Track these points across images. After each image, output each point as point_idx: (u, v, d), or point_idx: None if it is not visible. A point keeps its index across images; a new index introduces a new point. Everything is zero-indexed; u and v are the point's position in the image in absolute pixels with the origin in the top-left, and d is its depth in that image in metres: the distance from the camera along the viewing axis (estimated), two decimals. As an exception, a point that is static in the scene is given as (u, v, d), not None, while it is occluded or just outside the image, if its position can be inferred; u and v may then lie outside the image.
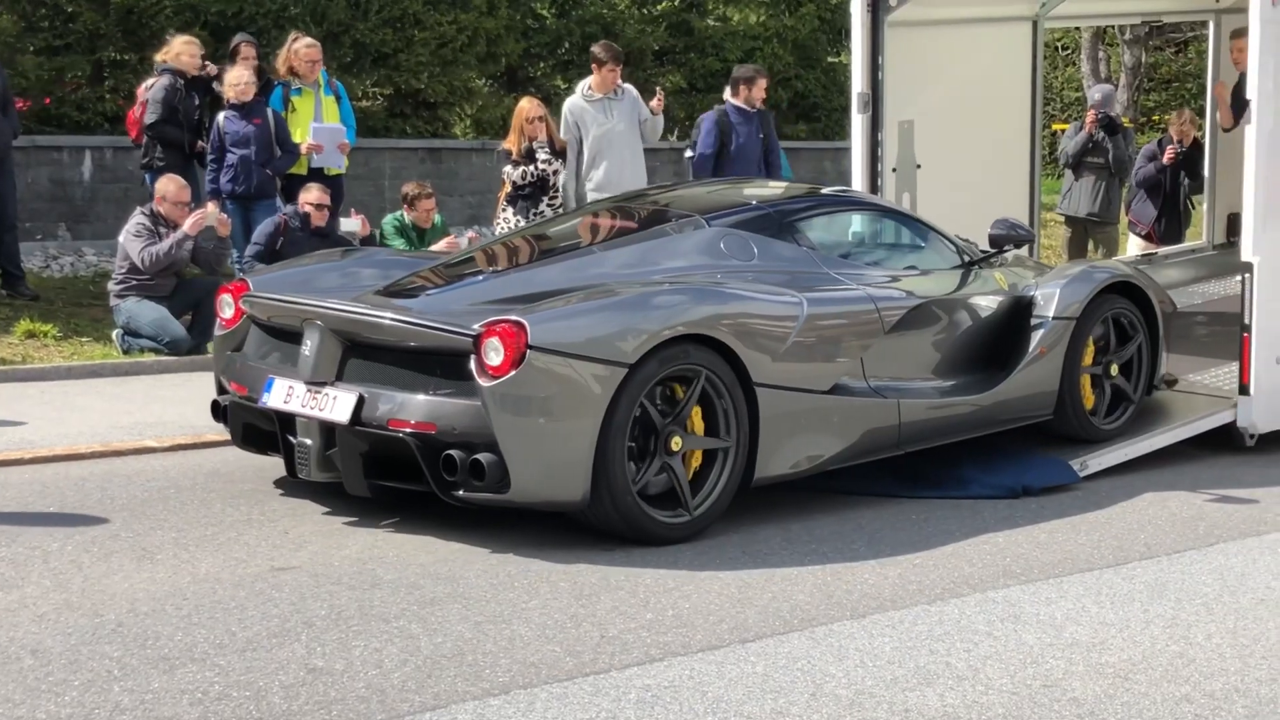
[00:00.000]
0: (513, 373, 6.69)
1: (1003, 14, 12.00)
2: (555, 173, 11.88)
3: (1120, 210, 13.95)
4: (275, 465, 8.18)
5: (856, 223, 9.06)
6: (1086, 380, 9.00)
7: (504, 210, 11.97)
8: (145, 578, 6.37)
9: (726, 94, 12.87)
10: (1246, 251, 9.27)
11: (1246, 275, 9.24)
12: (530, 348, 6.69)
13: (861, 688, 5.46)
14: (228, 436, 7.97)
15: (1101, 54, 20.09)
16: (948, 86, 11.47)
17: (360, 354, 7.22)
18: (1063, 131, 21.03)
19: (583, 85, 12.25)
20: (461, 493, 6.86)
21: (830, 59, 19.70)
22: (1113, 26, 20.10)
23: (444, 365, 6.98)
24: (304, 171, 12.42)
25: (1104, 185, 13.67)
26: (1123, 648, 6.00)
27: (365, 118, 14.84)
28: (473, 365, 6.79)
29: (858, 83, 10.72)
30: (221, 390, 7.93)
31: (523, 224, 11.62)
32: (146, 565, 6.55)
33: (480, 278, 7.73)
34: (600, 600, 6.26)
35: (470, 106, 17.50)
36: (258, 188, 12.22)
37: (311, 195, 11.77)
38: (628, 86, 12.38)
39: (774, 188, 9.61)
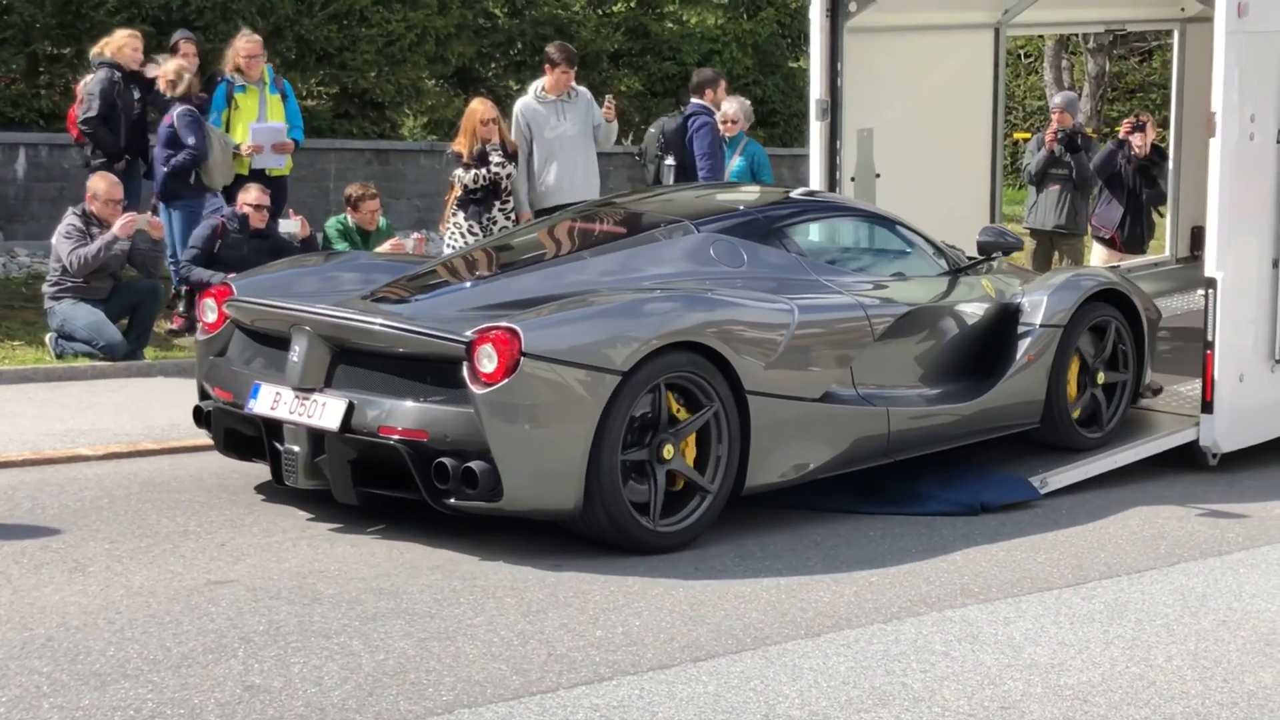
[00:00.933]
0: (506, 380, 6.67)
1: (964, 21, 11.92)
2: (508, 176, 11.68)
3: (1086, 222, 13.88)
4: (212, 475, 8.07)
5: (843, 228, 9.05)
6: (1073, 388, 9.00)
7: (454, 214, 11.74)
8: (77, 590, 6.22)
9: (694, 98, 12.79)
10: (1210, 267, 9.21)
11: (1210, 291, 9.17)
12: (524, 355, 6.68)
13: (816, 709, 5.36)
14: (163, 445, 7.85)
15: (1065, 62, 20.11)
16: (908, 94, 11.38)
17: (349, 360, 7.17)
18: (1025, 141, 21.01)
19: (535, 86, 12.09)
20: (453, 501, 6.84)
21: (790, 64, 19.62)
22: (1076, 35, 20.13)
23: (435, 372, 6.95)
24: (245, 172, 12.21)
25: (1069, 197, 13.61)
26: (1082, 669, 5.95)
27: (310, 117, 14.61)
28: (465, 372, 6.76)
29: (816, 89, 10.62)
30: (204, 395, 7.86)
31: (475, 228, 11.52)
32: (78, 577, 6.39)
33: (468, 284, 7.71)
34: (548, 617, 6.13)
35: (419, 106, 17.32)
36: (183, 186, 11.95)
37: (250, 196, 11.61)
38: (582, 89, 12.24)
39: (757, 192, 9.58)
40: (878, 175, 10.88)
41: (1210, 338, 9.21)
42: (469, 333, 6.78)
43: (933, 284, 8.72)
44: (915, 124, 11.48)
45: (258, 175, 12.19)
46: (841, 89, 10.59)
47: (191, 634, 5.73)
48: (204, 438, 8.79)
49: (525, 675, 5.52)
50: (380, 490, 7.09)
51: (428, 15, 16.41)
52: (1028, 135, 21.44)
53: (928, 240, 9.03)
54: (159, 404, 9.83)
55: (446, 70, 17.34)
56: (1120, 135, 13.48)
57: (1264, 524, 8.37)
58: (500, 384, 6.67)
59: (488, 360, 6.69)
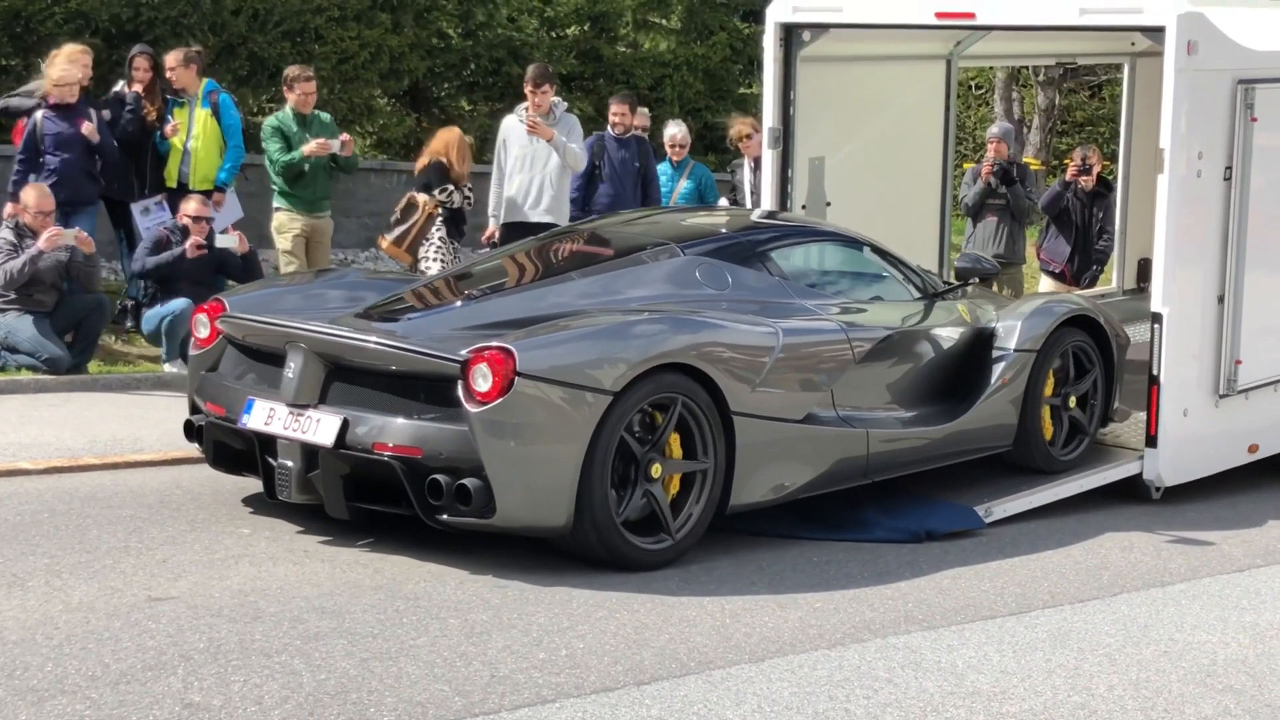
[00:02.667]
0: (500, 399, 6.76)
1: (916, 52, 11.96)
2: (466, 202, 11.88)
3: (1026, 251, 13.93)
4: (154, 491, 8.02)
5: (822, 252, 9.12)
6: (1046, 411, 9.12)
7: (438, 230, 11.78)
8: (15, 605, 6.14)
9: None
10: (1156, 302, 9.26)
11: (1156, 326, 9.23)
12: (518, 374, 6.77)
13: (760, 737, 5.33)
14: (105, 460, 7.83)
15: (1015, 95, 20.23)
16: (860, 123, 11.41)
17: (343, 377, 7.25)
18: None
19: (521, 106, 12.15)
20: (445, 517, 6.92)
21: (742, 90, 19.66)
22: (1027, 68, 20.25)
23: (429, 390, 7.03)
24: (173, 185, 12.18)
25: (1006, 228, 13.65)
26: (1024, 697, 5.96)
27: (260, 132, 14.48)
28: (460, 391, 6.84)
29: (769, 118, 10.63)
30: (195, 410, 7.91)
31: (455, 246, 11.77)
32: (17, 592, 6.31)
33: (458, 303, 7.78)
34: (492, 639, 6.09)
35: (371, 125, 17.25)
36: (78, 194, 11.80)
37: (190, 208, 11.59)
38: (568, 116, 12.25)
39: (738, 215, 9.66)
40: (828, 203, 10.90)
41: (1155, 372, 9.27)
42: (464, 352, 6.88)
43: (910, 308, 8.87)
44: (867, 153, 11.51)
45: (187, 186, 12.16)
46: (794, 117, 10.61)
47: (131, 651, 5.67)
48: (145, 453, 8.78)
49: (468, 697, 5.48)
50: (372, 506, 7.16)
51: (382, 33, 16.36)
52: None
53: (904, 265, 9.19)
54: (102, 419, 9.73)
55: (399, 88, 17.29)
56: (1067, 177, 13.54)
57: (1206, 556, 8.43)
58: (494, 403, 6.77)
59: (482, 379, 6.78)
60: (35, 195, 11.06)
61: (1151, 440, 9.33)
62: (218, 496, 7.97)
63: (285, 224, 12.12)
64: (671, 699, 5.63)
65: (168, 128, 12.15)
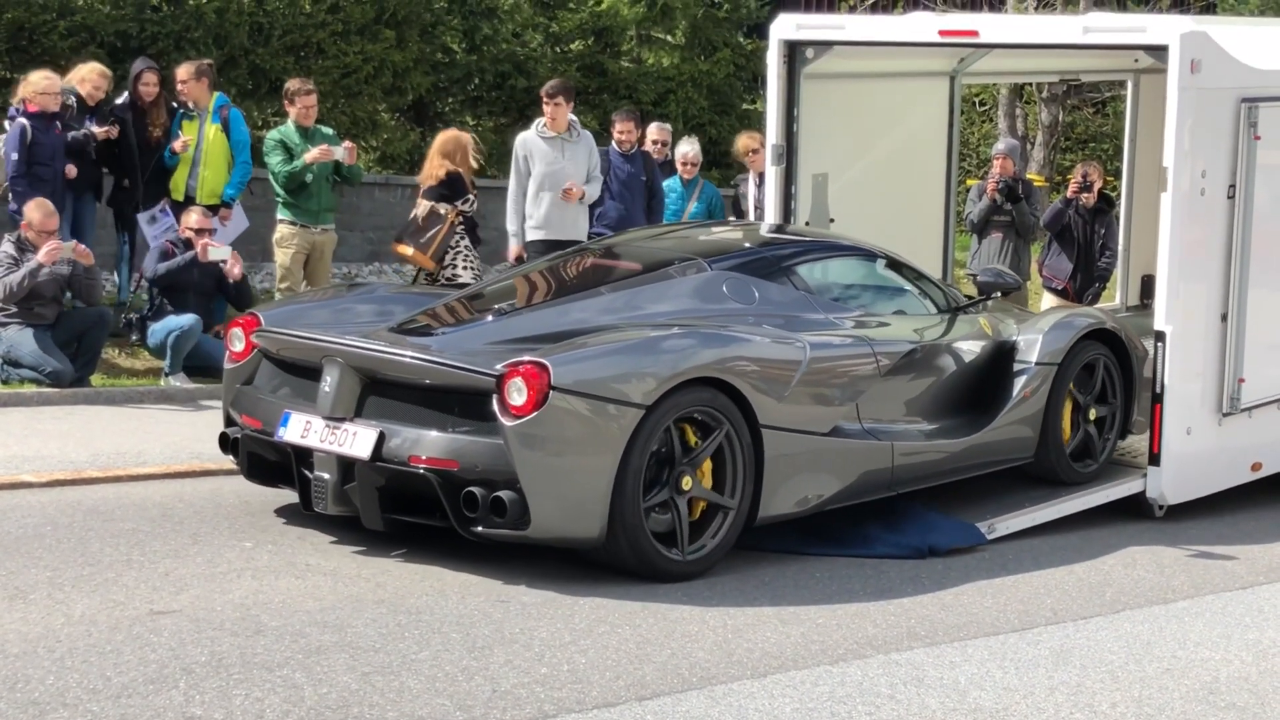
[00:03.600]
0: (535, 413, 6.87)
1: (920, 69, 11.98)
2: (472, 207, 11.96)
3: (1030, 267, 13.92)
4: (156, 504, 8.03)
5: (846, 266, 9.19)
6: (1066, 423, 9.19)
7: (463, 238, 11.82)
8: (17, 618, 6.13)
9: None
10: (1159, 320, 9.26)
11: (1159, 344, 9.23)
12: (553, 389, 6.87)
13: (762, 753, 5.32)
14: (107, 473, 7.89)
15: (1019, 111, 20.22)
16: (863, 140, 11.43)
17: (379, 391, 7.36)
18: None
19: (539, 121, 12.14)
20: (480, 529, 7.02)
21: (745, 106, 19.67)
22: (1030, 84, 20.26)
23: (463, 403, 7.14)
24: (179, 198, 12.21)
25: (1011, 244, 13.64)
26: (1027, 714, 5.96)
27: (263, 147, 14.49)
28: (495, 405, 6.95)
29: (773, 134, 10.65)
30: (230, 422, 8.02)
31: (475, 253, 11.84)
32: (19, 605, 6.30)
33: (489, 318, 7.90)
34: (494, 653, 6.08)
35: (375, 139, 17.25)
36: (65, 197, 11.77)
37: (191, 220, 11.63)
38: (585, 132, 12.28)
39: (761, 230, 9.73)
40: (832, 220, 10.91)
41: (1159, 390, 9.27)
42: (499, 366, 6.98)
43: (933, 322, 8.98)
44: (870, 169, 11.53)
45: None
46: (797, 134, 10.62)
47: (133, 664, 5.66)
48: (147, 466, 8.78)
49: (469, 711, 5.48)
50: (407, 517, 7.27)
51: (386, 48, 16.38)
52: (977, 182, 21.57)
53: (926, 278, 9.31)
54: (105, 432, 9.73)
55: (403, 103, 17.30)
56: (1068, 195, 13.52)
57: (1208, 573, 8.41)
58: (529, 416, 6.87)
59: (518, 393, 6.88)
60: (40, 214, 11.06)
61: (1155, 458, 9.33)
62: (220, 510, 7.97)
63: (287, 237, 12.12)
64: (674, 714, 5.62)
65: (177, 144, 12.15)
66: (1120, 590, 7.90)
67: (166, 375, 11.32)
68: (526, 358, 6.97)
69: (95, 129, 11.86)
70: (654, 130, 13.72)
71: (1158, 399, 9.26)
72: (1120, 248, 13.31)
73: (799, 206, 10.75)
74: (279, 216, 12.18)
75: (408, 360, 7.30)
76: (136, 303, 12.38)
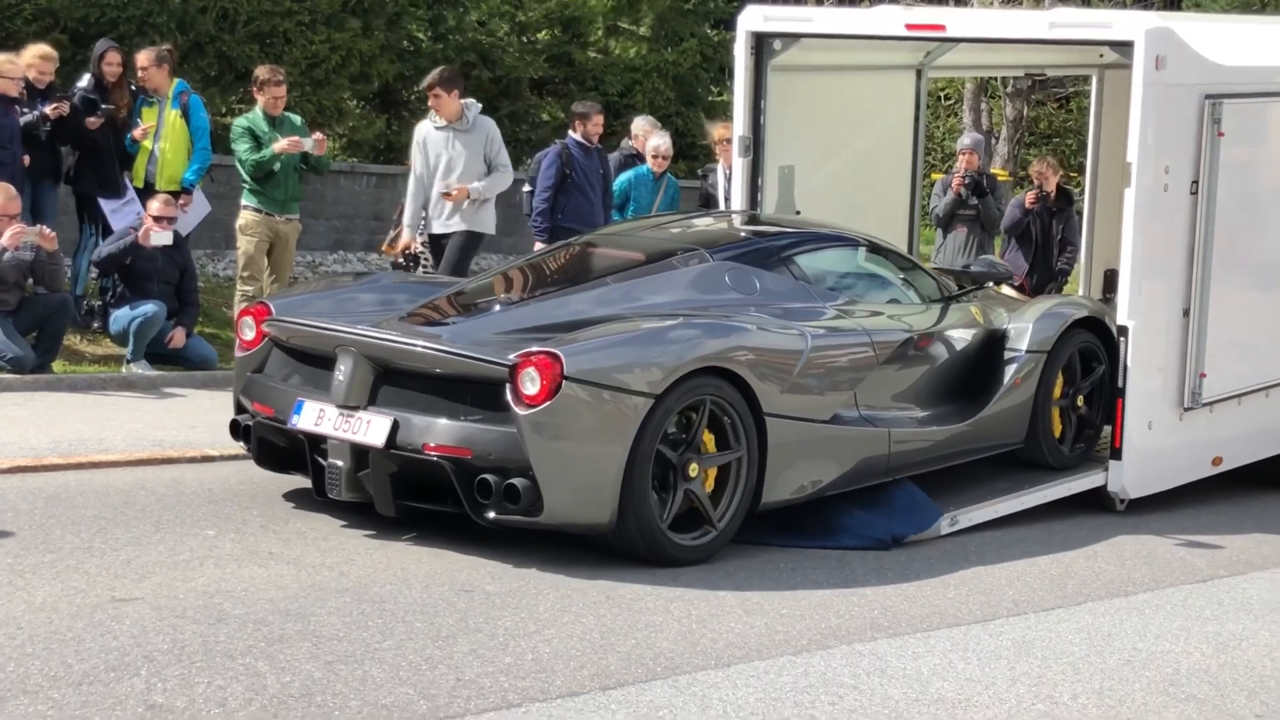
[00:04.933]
0: (548, 402, 7.00)
1: (887, 62, 12.00)
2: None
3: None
4: (118, 491, 7.97)
5: (844, 256, 9.32)
6: (1055, 410, 9.36)
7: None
8: (-24, 604, 6.08)
9: (570, 129, 12.93)
10: (1122, 314, 9.32)
11: (1122, 339, 9.28)
12: (565, 378, 7.00)
13: (725, 742, 5.32)
14: (69, 460, 7.89)
15: (984, 106, 20.28)
16: (830, 133, 11.44)
17: (392, 380, 7.49)
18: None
19: (433, 112, 12.00)
20: (493, 515, 7.16)
21: (712, 98, 19.67)
22: (995, 79, 20.32)
23: (475, 392, 7.28)
24: (140, 185, 12.14)
25: (976, 239, 13.70)
26: (989, 705, 5.98)
27: (228, 135, 14.41)
28: (508, 394, 7.07)
29: (740, 126, 10.66)
30: (240, 410, 8.15)
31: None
32: (-22, 591, 6.25)
33: (497, 308, 8.05)
34: (458, 642, 6.07)
35: (341, 127, 17.18)
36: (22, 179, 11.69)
37: (154, 207, 11.55)
38: (482, 120, 12.00)
39: (759, 221, 9.84)
40: (798, 212, 10.93)
41: (1121, 384, 9.32)
42: (512, 356, 7.10)
43: (928, 311, 9.15)
44: (836, 162, 11.55)
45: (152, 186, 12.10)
46: (764, 126, 10.64)
47: (94, 651, 5.63)
48: (109, 454, 8.73)
49: (433, 700, 5.46)
50: (419, 504, 7.41)
51: (352, 37, 16.31)
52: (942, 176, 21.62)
53: (920, 268, 9.52)
54: (66, 419, 9.67)
55: (369, 91, 17.23)
56: (1026, 204, 13.53)
57: (1169, 566, 8.47)
58: (543, 405, 7.00)
59: (531, 383, 7.01)
60: (2, 197, 10.96)
61: (1116, 452, 9.38)
62: (182, 498, 7.94)
63: (251, 225, 12.03)
64: (637, 704, 5.63)
65: (137, 132, 12.08)
66: (1082, 582, 7.94)
67: (128, 362, 11.27)
68: (540, 348, 7.10)
69: (47, 109, 11.75)
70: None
71: (1119, 393, 9.32)
72: (1083, 242, 13.37)
73: (765, 198, 10.77)
74: (243, 203, 12.11)
75: (422, 350, 7.42)
76: (89, 288, 12.31)
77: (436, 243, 11.85)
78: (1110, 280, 11.17)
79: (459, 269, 11.52)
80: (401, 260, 11.88)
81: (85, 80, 12.31)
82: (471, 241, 11.87)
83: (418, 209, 11.87)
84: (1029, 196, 13.58)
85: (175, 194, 12.07)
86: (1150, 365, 9.44)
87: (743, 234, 9.12)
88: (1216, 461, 10.13)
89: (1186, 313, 9.64)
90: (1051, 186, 13.39)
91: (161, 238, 11.39)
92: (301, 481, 8.26)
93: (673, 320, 7.68)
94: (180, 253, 11.69)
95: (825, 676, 6.11)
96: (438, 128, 11.83)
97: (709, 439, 7.54)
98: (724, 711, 5.62)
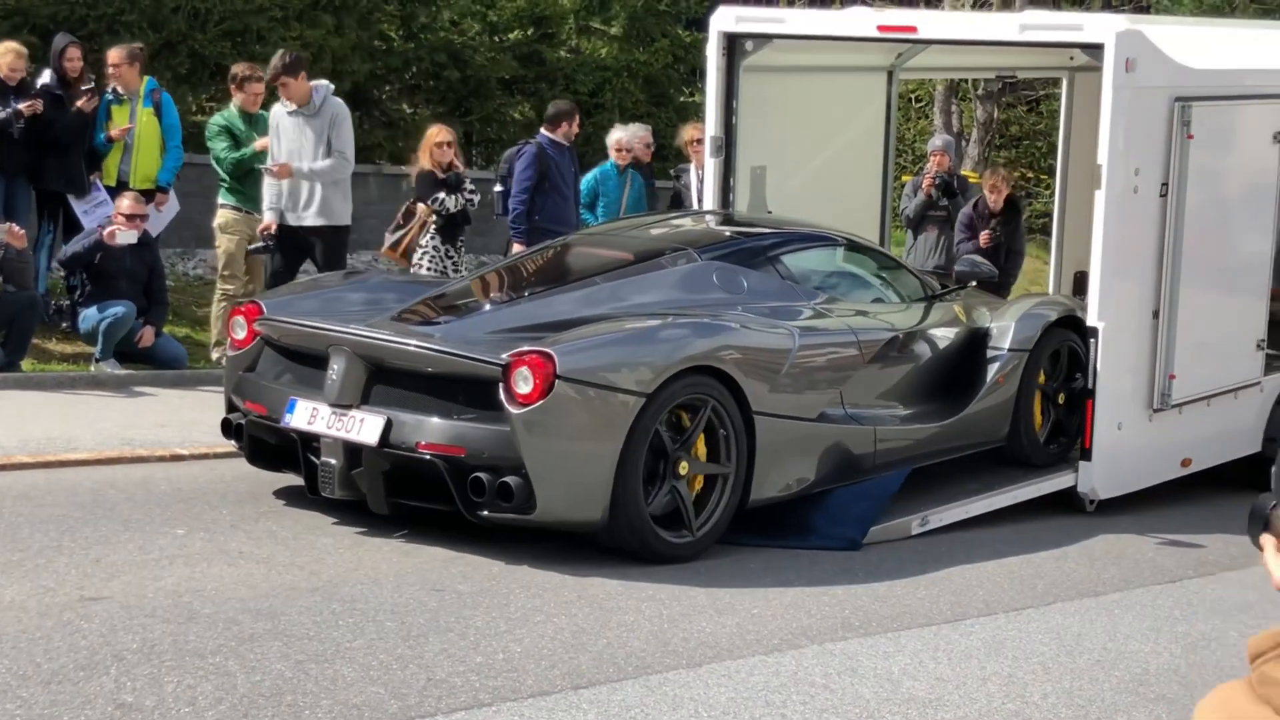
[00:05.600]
0: (541, 401, 7.06)
1: (859, 64, 12.02)
2: (469, 205, 11.77)
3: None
4: (87, 490, 7.93)
5: (829, 255, 9.42)
6: (1037, 407, 9.46)
7: (432, 238, 11.70)
8: (-56, 603, 6.04)
9: (543, 129, 12.82)
10: (1092, 316, 9.35)
11: (1092, 340, 9.31)
12: (558, 377, 7.06)
13: (697, 742, 5.32)
14: (38, 459, 7.86)
15: (955, 108, 20.34)
16: (802, 133, 11.46)
17: (384, 379, 7.53)
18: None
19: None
20: (486, 513, 7.21)
21: (683, 98, 19.67)
22: (966, 81, 20.38)
23: (468, 391, 7.34)
24: (112, 183, 12.06)
25: (945, 240, 13.71)
26: (959, 704, 5.98)
27: (201, 133, 14.33)
28: (501, 393, 7.12)
29: (712, 126, 10.66)
30: (231, 408, 8.20)
31: (451, 252, 11.74)
32: (-54, 589, 6.21)
33: (488, 307, 8.12)
34: (428, 642, 6.06)
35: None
36: None
37: (124, 205, 11.49)
38: (331, 102, 11.43)
39: (743, 220, 9.88)
40: (769, 212, 10.93)
41: (1091, 386, 9.35)
42: (505, 356, 7.15)
43: (912, 310, 9.28)
44: (808, 163, 11.57)
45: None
46: (736, 126, 10.64)
47: (63, 650, 5.60)
48: (79, 452, 8.69)
49: (403, 700, 5.45)
50: (411, 501, 7.45)
51: (324, 35, 16.26)
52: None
53: (903, 266, 9.66)
54: (35, 417, 9.62)
55: (340, 90, 17.15)
56: (982, 244, 13.48)
57: (1138, 566, 8.50)
58: (536, 404, 7.06)
59: (524, 382, 7.07)
60: None
61: (1086, 453, 9.42)
62: (152, 497, 7.91)
63: (231, 223, 11.93)
64: (609, 703, 5.62)
65: (115, 132, 11.97)
66: (1052, 583, 7.97)
67: (97, 361, 11.21)
68: (532, 347, 7.16)
69: (21, 106, 11.69)
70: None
71: (1089, 394, 9.35)
72: (1053, 244, 13.41)
73: (737, 199, 10.77)
74: (221, 202, 12.02)
75: (415, 349, 7.47)
76: (55, 286, 12.24)
77: (291, 233, 11.37)
78: (1080, 282, 11.22)
79: (333, 267, 11.14)
80: (262, 242, 11.47)
81: (46, 76, 12.23)
82: (336, 239, 11.47)
83: (275, 195, 11.42)
84: (984, 237, 13.51)
85: (149, 193, 12.00)
86: (1120, 366, 9.48)
87: (729, 234, 9.17)
88: (1186, 463, 10.18)
89: (1156, 314, 9.68)
90: (1001, 198, 13.34)
91: (126, 236, 11.30)
92: (272, 480, 8.25)
93: (663, 320, 7.76)
94: (149, 251, 11.64)
95: (796, 676, 6.11)
96: (289, 112, 11.41)
97: (700, 441, 7.61)
98: (695, 711, 5.61)
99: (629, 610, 6.73)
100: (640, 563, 7.44)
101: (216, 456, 8.91)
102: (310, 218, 11.39)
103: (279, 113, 11.55)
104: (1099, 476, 9.44)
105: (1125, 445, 9.61)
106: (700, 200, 12.36)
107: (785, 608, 7.03)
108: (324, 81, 11.78)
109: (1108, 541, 8.91)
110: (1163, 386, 9.74)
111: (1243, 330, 10.55)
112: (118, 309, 11.16)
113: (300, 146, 11.38)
